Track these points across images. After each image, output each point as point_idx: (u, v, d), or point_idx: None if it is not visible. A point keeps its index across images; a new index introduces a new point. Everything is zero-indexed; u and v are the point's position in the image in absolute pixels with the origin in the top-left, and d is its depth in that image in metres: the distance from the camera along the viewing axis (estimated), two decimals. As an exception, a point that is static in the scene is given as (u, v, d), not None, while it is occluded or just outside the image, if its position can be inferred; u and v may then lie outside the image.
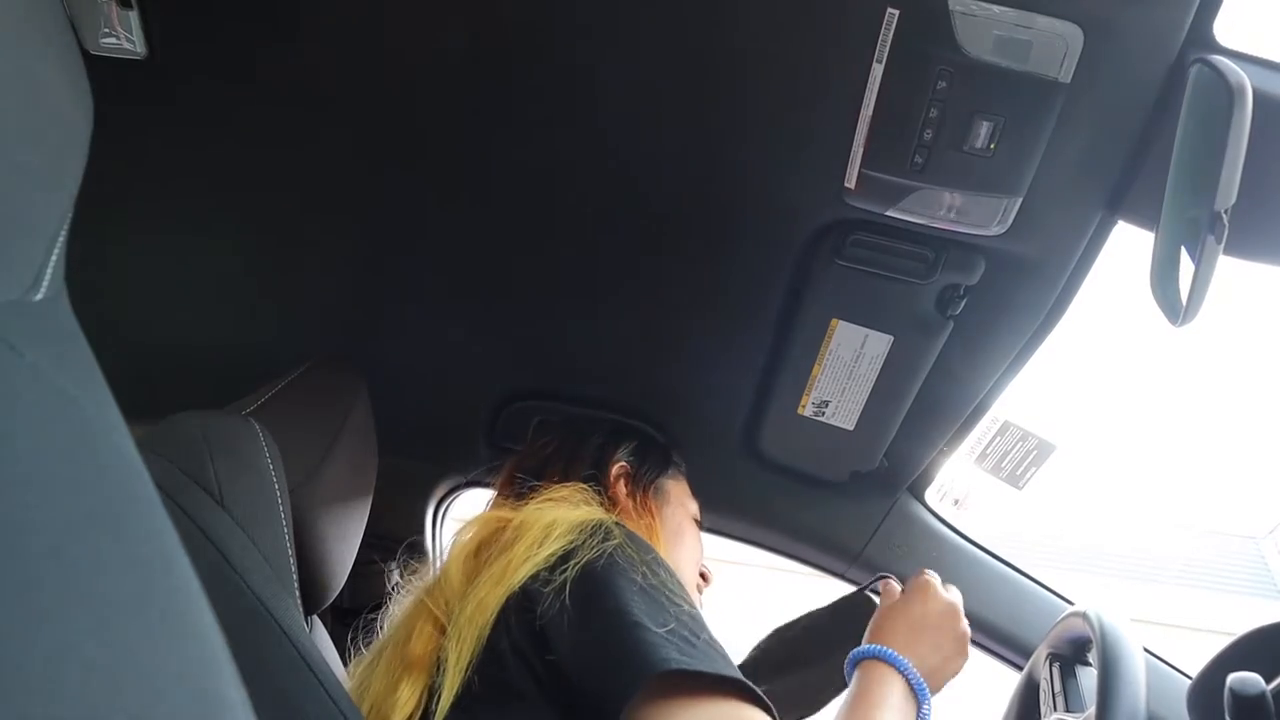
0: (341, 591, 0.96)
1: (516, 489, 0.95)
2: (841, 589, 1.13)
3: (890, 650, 0.82)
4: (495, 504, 0.99)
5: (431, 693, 0.74)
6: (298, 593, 0.81)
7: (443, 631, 0.77)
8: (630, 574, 0.73)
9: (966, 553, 1.27)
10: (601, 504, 0.90)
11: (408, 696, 0.74)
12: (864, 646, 0.84)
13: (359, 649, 0.88)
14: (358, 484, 1.00)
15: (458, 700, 0.71)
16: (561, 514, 0.82)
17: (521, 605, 0.73)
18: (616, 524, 0.80)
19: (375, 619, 0.90)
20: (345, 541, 0.95)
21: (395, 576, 0.95)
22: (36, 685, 0.22)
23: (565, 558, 0.74)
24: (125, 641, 0.26)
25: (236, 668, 0.30)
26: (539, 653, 0.70)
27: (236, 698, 0.30)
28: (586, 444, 1.03)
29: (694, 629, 0.70)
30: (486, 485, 1.38)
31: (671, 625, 0.68)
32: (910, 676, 0.81)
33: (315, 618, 0.98)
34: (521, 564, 0.75)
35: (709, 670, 0.65)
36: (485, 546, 0.83)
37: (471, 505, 1.43)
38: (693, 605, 0.74)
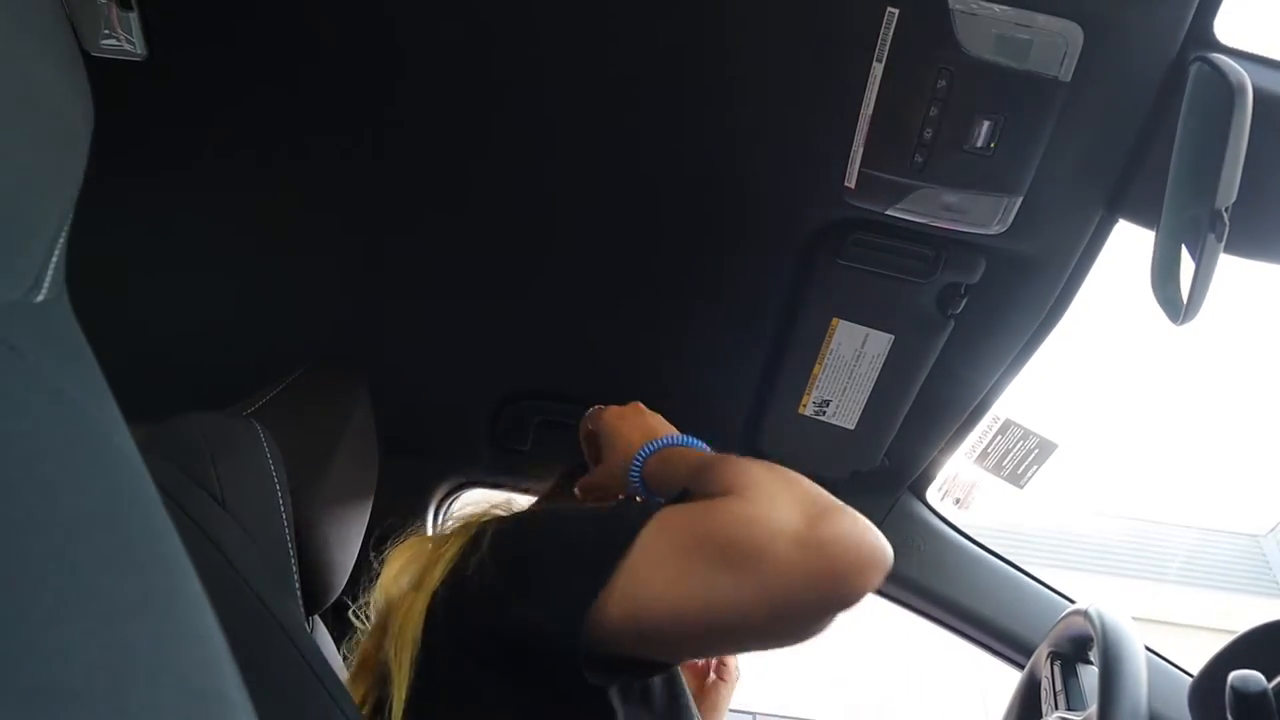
0: (344, 592, 0.96)
1: None
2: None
3: (666, 438, 0.83)
4: None
5: (379, 706, 0.75)
6: (299, 593, 0.81)
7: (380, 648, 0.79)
8: (532, 511, 0.79)
9: (968, 552, 1.27)
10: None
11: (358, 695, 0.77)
12: (644, 451, 0.82)
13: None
14: (359, 485, 1.00)
15: (408, 705, 0.71)
16: (470, 512, 0.87)
17: (447, 601, 0.73)
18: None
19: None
20: (347, 542, 0.95)
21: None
22: (38, 687, 0.23)
23: (475, 540, 0.75)
24: (127, 643, 0.26)
25: (238, 668, 0.30)
26: (479, 631, 0.69)
27: (238, 698, 0.30)
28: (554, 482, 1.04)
29: (598, 513, 0.73)
30: (487, 485, 1.38)
31: (587, 513, 0.72)
32: (689, 442, 0.82)
33: (316, 618, 0.98)
34: (434, 565, 0.77)
35: (623, 552, 0.64)
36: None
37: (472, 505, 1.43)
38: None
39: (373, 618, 0.85)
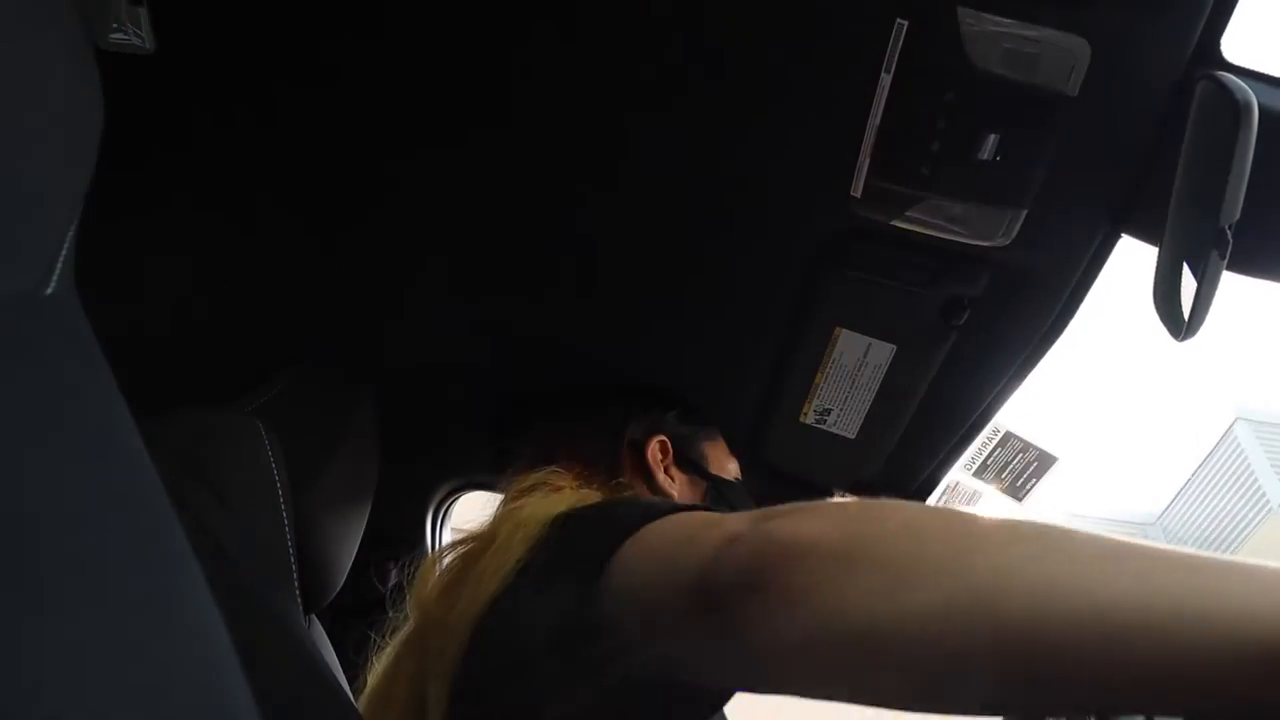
0: (341, 591, 0.96)
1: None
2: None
3: None
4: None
5: None
6: (298, 591, 0.81)
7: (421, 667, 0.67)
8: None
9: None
10: (582, 482, 0.79)
11: None
12: None
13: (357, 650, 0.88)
14: (359, 484, 1.00)
15: None
16: (529, 512, 0.70)
17: (491, 627, 0.61)
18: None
19: (374, 620, 0.89)
20: (346, 541, 0.95)
21: (394, 577, 0.94)
22: (42, 683, 0.22)
23: (540, 555, 0.64)
24: (131, 639, 0.26)
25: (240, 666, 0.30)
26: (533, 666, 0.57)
27: (241, 696, 0.30)
28: (598, 422, 0.96)
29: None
30: (487, 486, 1.38)
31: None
32: None
33: (314, 617, 0.97)
34: (491, 577, 0.64)
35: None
36: (465, 564, 0.72)
37: (472, 506, 1.43)
38: None
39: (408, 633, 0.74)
